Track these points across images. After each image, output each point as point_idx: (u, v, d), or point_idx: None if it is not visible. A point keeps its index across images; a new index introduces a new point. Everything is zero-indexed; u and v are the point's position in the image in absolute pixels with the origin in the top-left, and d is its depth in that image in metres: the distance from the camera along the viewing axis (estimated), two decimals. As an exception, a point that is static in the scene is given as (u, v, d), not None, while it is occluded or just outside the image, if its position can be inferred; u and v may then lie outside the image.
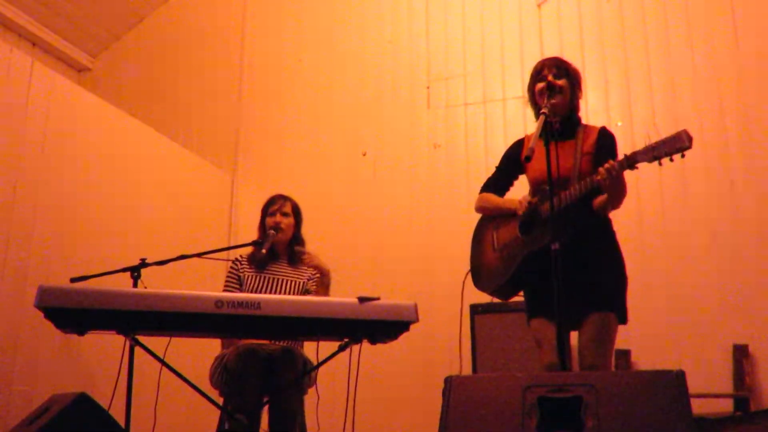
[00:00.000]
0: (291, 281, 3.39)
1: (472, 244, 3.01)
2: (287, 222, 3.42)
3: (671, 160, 2.39)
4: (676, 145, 2.36)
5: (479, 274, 2.93)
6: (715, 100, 4.44)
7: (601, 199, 2.63)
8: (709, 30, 4.56)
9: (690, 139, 2.34)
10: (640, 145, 2.47)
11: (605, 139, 2.76)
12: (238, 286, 3.35)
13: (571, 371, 2.47)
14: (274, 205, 3.44)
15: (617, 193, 2.60)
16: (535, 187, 2.80)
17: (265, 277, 3.36)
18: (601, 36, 4.82)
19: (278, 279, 3.37)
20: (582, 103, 2.92)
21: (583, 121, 2.88)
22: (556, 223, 2.45)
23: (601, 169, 2.49)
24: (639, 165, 2.47)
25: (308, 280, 3.41)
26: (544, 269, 2.46)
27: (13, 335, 3.41)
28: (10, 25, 5.33)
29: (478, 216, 3.05)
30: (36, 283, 2.20)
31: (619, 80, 4.71)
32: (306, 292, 3.38)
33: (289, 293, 3.33)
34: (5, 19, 5.27)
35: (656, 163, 2.42)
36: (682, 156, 2.37)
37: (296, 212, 3.49)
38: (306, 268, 3.44)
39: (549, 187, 2.49)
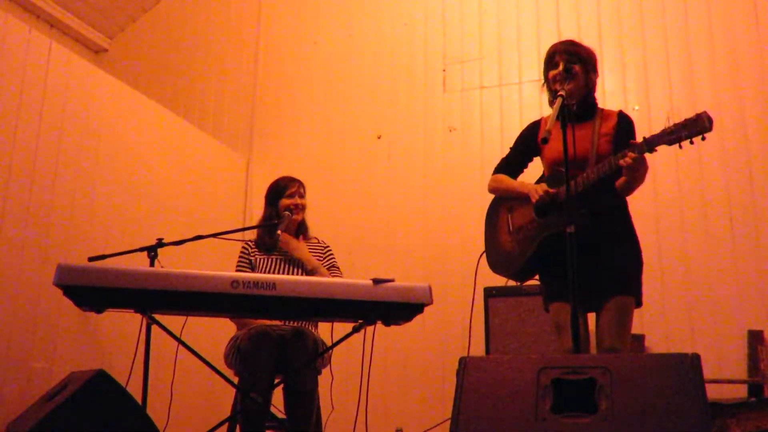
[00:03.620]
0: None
1: (485, 226, 3.01)
2: (304, 203, 3.47)
3: (691, 142, 2.37)
4: (696, 127, 2.33)
5: (494, 257, 2.93)
6: (733, 84, 4.39)
7: (622, 179, 2.62)
8: (728, 12, 4.50)
9: (710, 121, 2.32)
10: (657, 130, 2.45)
11: (625, 123, 2.75)
12: (249, 271, 3.37)
13: (586, 353, 2.47)
14: (291, 187, 3.46)
15: (639, 174, 2.58)
16: (551, 168, 2.79)
17: (277, 259, 3.38)
18: (619, 18, 4.77)
19: (290, 259, 3.39)
20: (599, 87, 2.89)
21: (600, 105, 2.86)
22: (572, 205, 2.45)
23: (627, 159, 2.46)
24: (658, 148, 2.45)
25: (323, 258, 3.44)
26: (561, 253, 2.46)
27: (33, 313, 3.45)
28: (28, 6, 5.36)
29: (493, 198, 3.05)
30: (55, 262, 2.22)
31: (637, 63, 4.66)
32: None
33: (302, 273, 3.34)
34: (24, 0, 5.30)
35: (675, 146, 2.40)
36: (703, 138, 2.35)
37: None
38: (314, 244, 3.47)
39: (565, 170, 2.48)
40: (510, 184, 2.93)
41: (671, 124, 2.40)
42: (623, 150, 2.50)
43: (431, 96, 5.14)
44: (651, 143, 2.44)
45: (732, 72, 4.42)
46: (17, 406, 3.09)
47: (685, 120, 2.36)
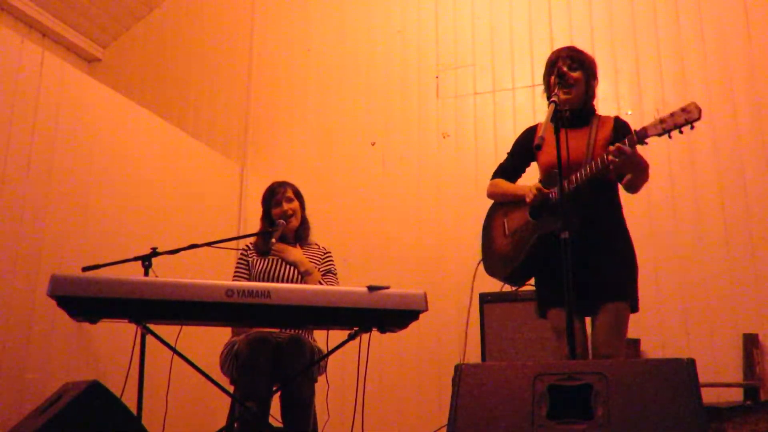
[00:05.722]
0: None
1: (482, 232, 3.02)
2: (294, 207, 3.44)
3: (681, 132, 2.39)
4: (685, 116, 2.36)
5: (490, 260, 2.94)
6: (726, 88, 4.41)
7: (627, 177, 2.63)
8: (719, 17, 4.53)
9: (699, 110, 2.34)
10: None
11: (622, 128, 2.77)
12: (247, 275, 3.36)
13: (584, 359, 2.48)
14: (276, 194, 3.45)
15: (638, 170, 2.58)
16: (546, 173, 2.80)
17: (273, 260, 3.36)
18: (611, 24, 4.79)
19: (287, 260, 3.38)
20: (595, 91, 2.90)
21: (598, 111, 2.87)
22: (566, 207, 2.45)
23: (611, 148, 2.48)
24: (648, 140, 2.47)
25: (322, 263, 3.42)
26: (556, 259, 2.46)
27: (26, 324, 3.43)
28: (20, 16, 5.35)
29: (488, 204, 3.05)
30: (48, 272, 2.21)
31: (630, 68, 4.68)
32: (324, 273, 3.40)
33: (298, 277, 3.33)
34: (16, 10, 5.29)
35: (668, 148, 2.42)
36: (692, 128, 2.37)
37: (298, 195, 3.51)
38: (314, 249, 3.46)
39: (559, 176, 2.49)
40: (507, 188, 2.94)
41: (660, 115, 2.42)
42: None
43: (425, 102, 5.15)
44: (642, 134, 2.46)
45: (723, 76, 4.43)
46: (11, 417, 3.07)
47: (675, 110, 2.41)
